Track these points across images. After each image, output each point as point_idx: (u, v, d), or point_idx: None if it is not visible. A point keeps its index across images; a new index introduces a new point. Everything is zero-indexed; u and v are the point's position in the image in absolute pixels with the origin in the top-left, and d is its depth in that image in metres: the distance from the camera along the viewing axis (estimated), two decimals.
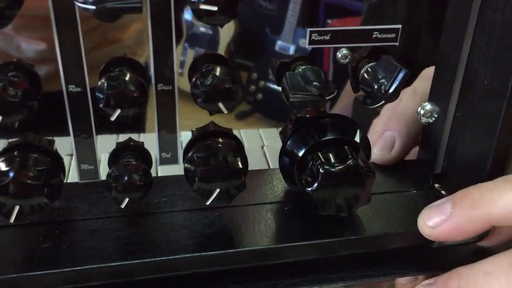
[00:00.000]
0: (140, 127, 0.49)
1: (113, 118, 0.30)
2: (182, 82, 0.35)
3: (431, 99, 0.39)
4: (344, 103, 0.44)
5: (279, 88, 0.34)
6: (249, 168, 0.39)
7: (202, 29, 0.38)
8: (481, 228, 0.32)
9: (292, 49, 0.39)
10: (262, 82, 0.44)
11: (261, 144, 0.51)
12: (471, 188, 0.33)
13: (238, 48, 0.37)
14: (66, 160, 0.36)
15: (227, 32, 0.37)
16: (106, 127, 0.35)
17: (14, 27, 0.32)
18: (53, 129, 0.34)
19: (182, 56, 0.37)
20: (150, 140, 0.38)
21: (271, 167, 0.47)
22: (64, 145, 0.36)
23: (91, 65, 0.32)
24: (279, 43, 0.39)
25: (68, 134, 0.34)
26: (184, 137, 0.37)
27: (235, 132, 0.41)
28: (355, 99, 0.53)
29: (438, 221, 0.32)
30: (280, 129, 0.53)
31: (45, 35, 0.35)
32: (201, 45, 0.43)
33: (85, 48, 0.32)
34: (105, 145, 0.38)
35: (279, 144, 0.49)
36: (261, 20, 0.39)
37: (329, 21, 0.37)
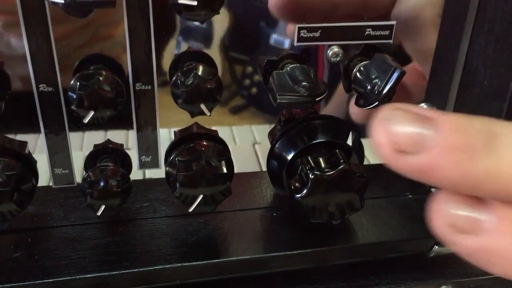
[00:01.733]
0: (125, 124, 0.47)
1: (86, 121, 0.28)
2: None
3: (427, 99, 0.37)
4: (338, 102, 0.42)
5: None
6: (240, 167, 0.37)
7: (196, 22, 0.38)
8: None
9: (287, 43, 0.38)
10: (256, 76, 0.44)
11: (253, 142, 0.49)
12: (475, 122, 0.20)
13: (233, 41, 0.36)
14: (42, 158, 0.33)
15: (221, 25, 0.36)
16: (81, 130, 0.32)
17: (3, 24, 0.30)
18: (24, 128, 0.32)
19: (176, 49, 0.35)
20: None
21: (263, 166, 0.45)
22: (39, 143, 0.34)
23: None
24: (274, 36, 0.37)
25: (40, 132, 0.32)
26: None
27: (226, 128, 0.39)
28: (350, 97, 0.51)
29: (413, 145, 0.20)
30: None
31: None
32: (195, 39, 0.41)
33: (77, 46, 0.31)
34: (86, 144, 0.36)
35: None
36: (256, 13, 0.39)
37: None
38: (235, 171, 0.36)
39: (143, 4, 0.28)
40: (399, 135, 0.20)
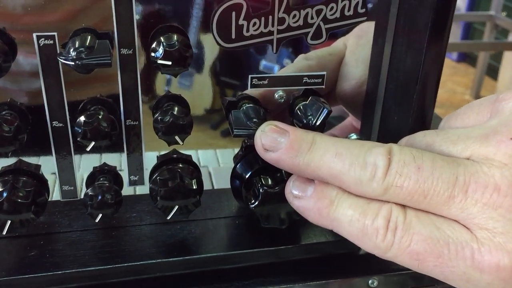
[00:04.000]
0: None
1: (88, 149, 0.37)
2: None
3: (361, 132, 0.46)
4: None
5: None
6: (220, 185, 0.46)
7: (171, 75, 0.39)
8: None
9: (276, 69, 0.41)
10: (246, 101, 0.47)
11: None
12: (307, 135, 0.34)
13: (223, 67, 0.41)
14: (51, 178, 0.42)
15: (212, 52, 0.40)
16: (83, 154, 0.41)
17: (27, 76, 0.38)
18: (40, 153, 0.41)
19: (167, 86, 0.41)
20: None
21: None
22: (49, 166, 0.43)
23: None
24: (263, 63, 0.41)
25: (51, 155, 0.41)
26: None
27: (211, 151, 0.47)
28: None
29: (271, 146, 0.35)
30: None
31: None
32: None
33: (81, 92, 0.39)
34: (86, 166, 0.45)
35: None
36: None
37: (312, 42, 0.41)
38: (217, 187, 0.46)
39: (132, 63, 0.38)
40: (266, 139, 0.35)
